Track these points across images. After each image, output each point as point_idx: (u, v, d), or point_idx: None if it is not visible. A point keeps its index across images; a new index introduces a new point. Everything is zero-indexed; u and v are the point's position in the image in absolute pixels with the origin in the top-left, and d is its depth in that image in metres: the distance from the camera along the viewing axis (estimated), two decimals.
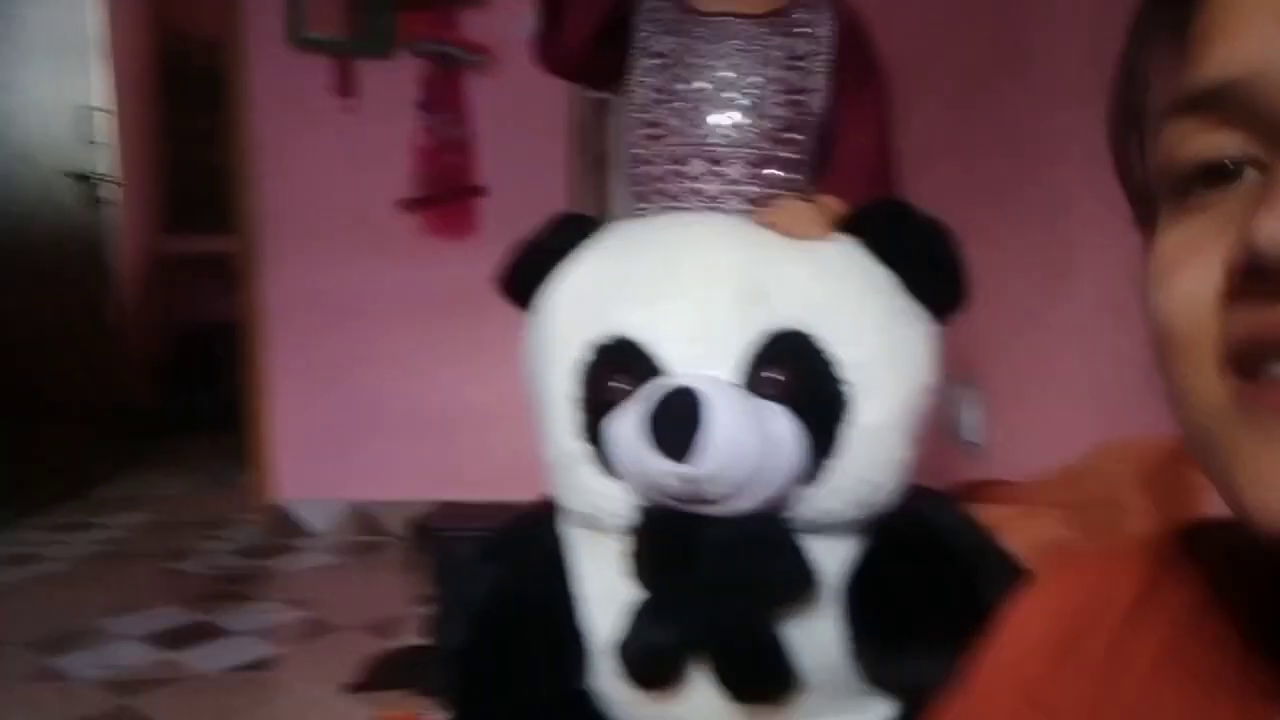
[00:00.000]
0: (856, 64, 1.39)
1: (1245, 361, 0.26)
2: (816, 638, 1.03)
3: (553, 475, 1.13)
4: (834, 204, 1.19)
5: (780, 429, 0.98)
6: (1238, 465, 0.27)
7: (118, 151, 3.74)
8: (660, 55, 1.39)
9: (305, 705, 1.81)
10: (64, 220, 3.29)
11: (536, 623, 1.12)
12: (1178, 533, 0.38)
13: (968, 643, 0.43)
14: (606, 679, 1.09)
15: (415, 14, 2.71)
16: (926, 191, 1.29)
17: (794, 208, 1.17)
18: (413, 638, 2.02)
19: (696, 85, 1.37)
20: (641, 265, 1.10)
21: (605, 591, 1.07)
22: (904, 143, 1.43)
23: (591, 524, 1.10)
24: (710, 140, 1.36)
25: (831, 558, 1.04)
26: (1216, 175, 0.28)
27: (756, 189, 1.35)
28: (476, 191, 2.75)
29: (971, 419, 2.58)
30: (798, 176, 1.39)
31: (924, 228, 1.07)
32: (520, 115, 2.69)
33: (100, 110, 3.49)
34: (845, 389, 1.01)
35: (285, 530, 2.86)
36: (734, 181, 1.36)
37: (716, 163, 1.36)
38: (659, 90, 1.39)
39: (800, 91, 1.37)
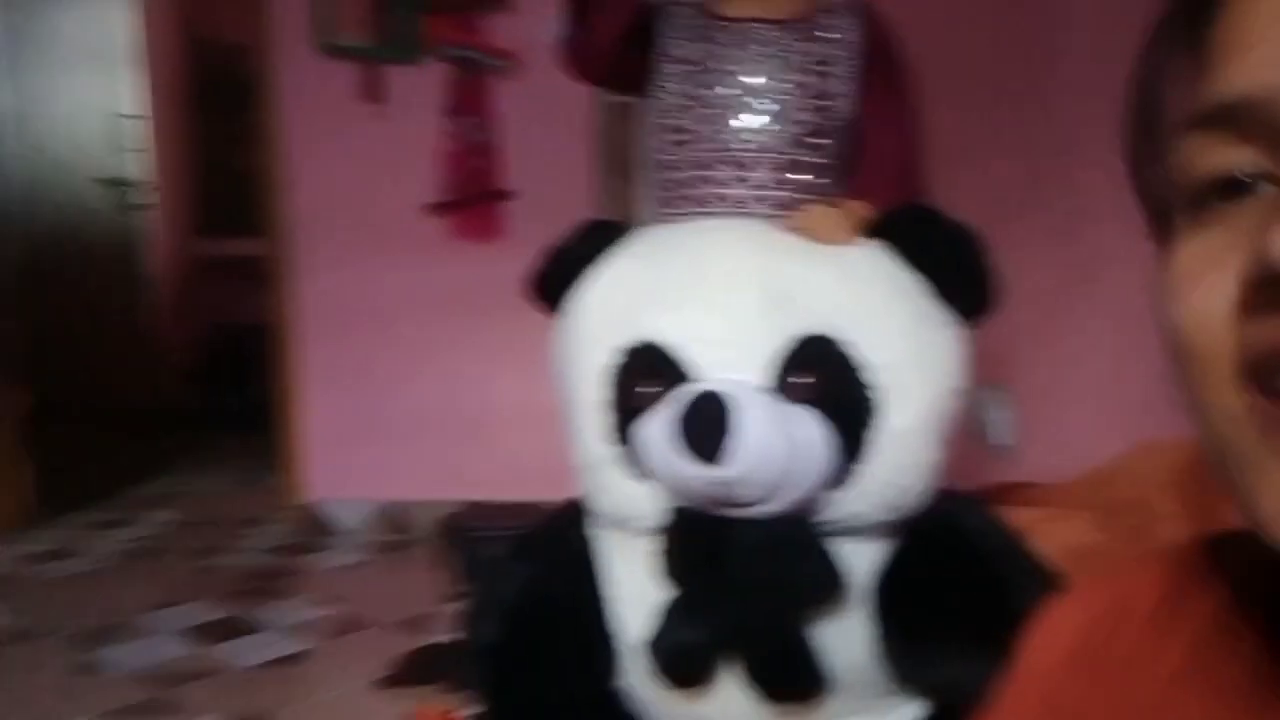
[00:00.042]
0: (883, 68, 1.39)
1: (1261, 374, 0.27)
2: (846, 638, 1.04)
3: (582, 477, 1.14)
4: (861, 208, 1.18)
5: (809, 433, 0.99)
6: (1253, 478, 0.27)
7: (151, 157, 3.80)
8: (685, 61, 1.40)
9: (338, 699, 1.84)
10: (98, 225, 3.35)
11: (567, 621, 1.14)
12: (1202, 543, 0.38)
13: (996, 644, 0.43)
14: (637, 678, 1.11)
15: (441, 19, 2.73)
16: (953, 196, 1.29)
17: (821, 212, 1.17)
18: (442, 634, 2.04)
19: (722, 91, 1.37)
20: (669, 270, 1.11)
21: (635, 592, 1.08)
22: (930, 148, 1.43)
23: (621, 525, 1.12)
24: (736, 145, 1.37)
25: (861, 559, 1.05)
26: (1231, 189, 0.28)
27: (783, 194, 1.35)
28: (503, 195, 2.77)
29: (1001, 421, 2.57)
30: (824, 181, 1.39)
31: (951, 232, 1.07)
32: (545, 119, 2.71)
33: (133, 117, 3.55)
34: (873, 393, 1.02)
35: (315, 529, 2.90)
36: (760, 186, 1.36)
37: (742, 168, 1.37)
38: (684, 96, 1.39)
39: (826, 96, 1.37)
